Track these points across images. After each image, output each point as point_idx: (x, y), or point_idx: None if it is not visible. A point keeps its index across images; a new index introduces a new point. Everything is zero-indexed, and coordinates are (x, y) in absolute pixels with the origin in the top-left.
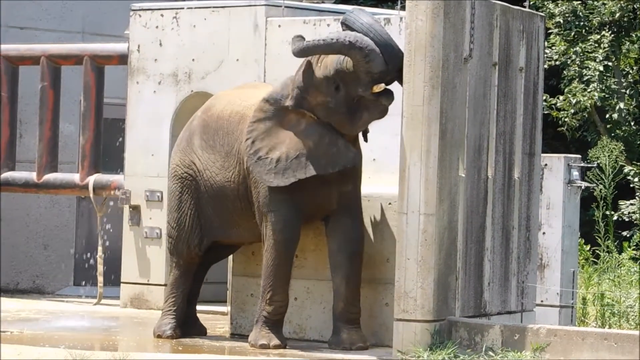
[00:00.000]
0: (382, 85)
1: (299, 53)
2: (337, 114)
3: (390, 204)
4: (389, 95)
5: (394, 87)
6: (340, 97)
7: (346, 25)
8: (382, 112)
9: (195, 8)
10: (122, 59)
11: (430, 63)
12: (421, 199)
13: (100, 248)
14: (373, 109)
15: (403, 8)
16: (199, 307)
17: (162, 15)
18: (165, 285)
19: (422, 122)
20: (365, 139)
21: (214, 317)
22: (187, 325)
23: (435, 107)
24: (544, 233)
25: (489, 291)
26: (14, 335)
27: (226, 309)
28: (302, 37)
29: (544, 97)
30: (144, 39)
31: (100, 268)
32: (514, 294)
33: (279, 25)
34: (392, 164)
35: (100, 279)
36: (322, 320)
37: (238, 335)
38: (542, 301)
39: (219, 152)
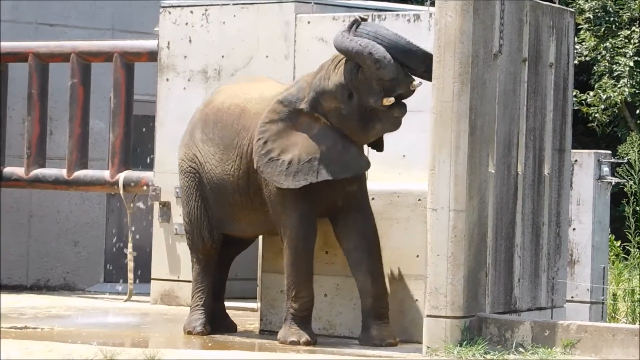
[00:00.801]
0: (392, 99)
1: (335, 45)
2: (349, 121)
3: (420, 200)
4: (402, 107)
5: (422, 83)
6: (353, 105)
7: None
8: (395, 125)
9: (225, 5)
10: (151, 55)
11: (460, 59)
12: (451, 195)
13: (130, 245)
14: (386, 120)
15: (432, 4)
16: (228, 304)
17: (191, 12)
18: None
19: (452, 118)
20: (381, 149)
21: (244, 313)
22: (216, 321)
23: (464, 103)
24: (574, 229)
25: (519, 287)
26: (44, 331)
27: (256, 305)
28: (357, 22)
29: (574, 93)
30: (173, 35)
31: (130, 265)
32: (544, 290)
33: (309, 22)
34: (422, 160)
35: (130, 275)
36: (352, 317)
37: (268, 331)
38: (572, 297)
39: (217, 144)
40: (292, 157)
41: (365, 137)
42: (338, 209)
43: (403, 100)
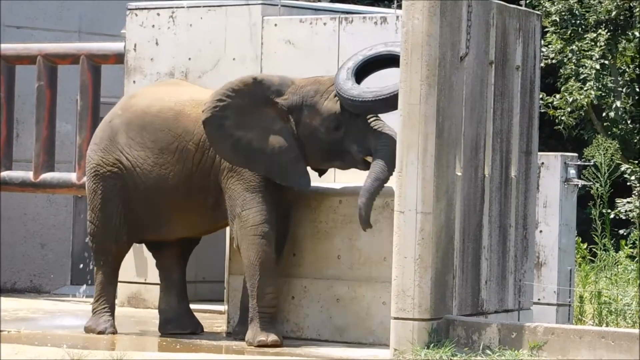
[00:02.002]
0: (371, 159)
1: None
2: (317, 145)
3: (387, 202)
4: (367, 165)
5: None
6: (333, 136)
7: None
8: (347, 169)
9: (192, 7)
10: (118, 58)
11: (427, 62)
12: (418, 198)
13: None
14: (348, 163)
15: (399, 7)
16: (197, 306)
17: (158, 14)
18: None
19: (419, 120)
20: (321, 174)
21: (211, 316)
22: (183, 321)
23: (432, 105)
24: (541, 231)
25: (486, 289)
26: (11, 334)
27: (223, 307)
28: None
29: (541, 96)
30: (140, 38)
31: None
32: (511, 292)
33: (276, 24)
34: None
35: None
36: (319, 319)
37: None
38: (539, 299)
39: (149, 148)
40: (243, 137)
41: (319, 164)
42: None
43: None
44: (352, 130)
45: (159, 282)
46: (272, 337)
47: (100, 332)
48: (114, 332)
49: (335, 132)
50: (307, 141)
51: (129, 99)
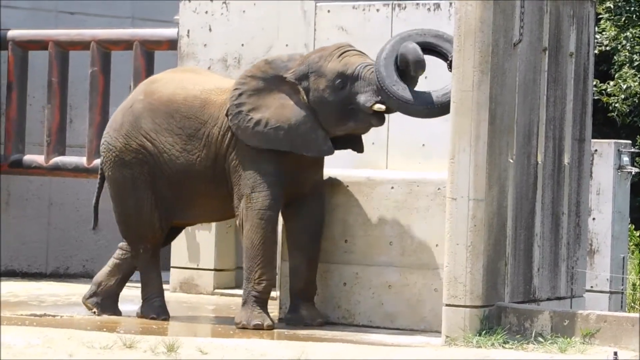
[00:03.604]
0: (383, 107)
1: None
2: (327, 107)
3: (439, 189)
4: (381, 119)
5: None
6: (340, 95)
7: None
8: (366, 129)
9: None
10: (171, 44)
11: (480, 48)
12: (470, 185)
13: None
14: (361, 122)
15: None
16: (236, 291)
17: (211, 0)
18: (215, 270)
19: (472, 107)
20: (361, 150)
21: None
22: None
23: (484, 92)
24: (593, 219)
25: (538, 277)
26: (64, 319)
27: (275, 294)
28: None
29: (594, 83)
30: (193, 24)
31: None
32: (564, 279)
33: (328, 11)
34: (441, 150)
35: None
36: (370, 306)
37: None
38: (591, 287)
39: (177, 134)
40: (261, 117)
41: (334, 128)
42: (301, 195)
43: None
44: (358, 85)
45: (210, 268)
46: (268, 322)
47: (152, 318)
48: (167, 318)
49: (341, 91)
50: (318, 107)
51: (150, 85)
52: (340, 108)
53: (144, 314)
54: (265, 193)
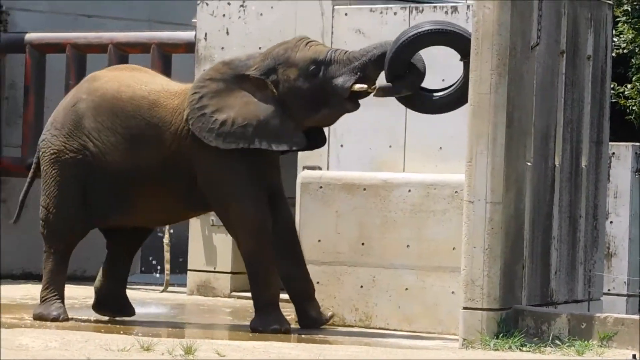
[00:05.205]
0: (364, 86)
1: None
2: (300, 96)
3: (456, 192)
4: (355, 103)
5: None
6: (314, 82)
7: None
8: (338, 117)
9: None
10: (189, 47)
11: (498, 51)
12: (488, 187)
13: (167, 235)
14: (335, 108)
15: None
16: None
17: (229, 3)
18: (232, 273)
19: (489, 110)
20: (322, 144)
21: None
22: (117, 306)
23: (502, 95)
24: (611, 222)
25: (555, 280)
26: (81, 322)
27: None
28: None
29: (612, 86)
30: (211, 27)
31: (167, 256)
32: (581, 282)
33: (346, 14)
34: (459, 152)
35: (167, 266)
36: (388, 309)
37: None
38: (609, 290)
39: (121, 134)
40: (226, 117)
41: (307, 117)
42: (269, 195)
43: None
44: (331, 70)
45: (227, 271)
46: (285, 326)
47: (53, 319)
48: (67, 319)
49: (314, 77)
50: (289, 98)
51: (93, 82)
52: (313, 96)
53: (42, 314)
54: (249, 200)
